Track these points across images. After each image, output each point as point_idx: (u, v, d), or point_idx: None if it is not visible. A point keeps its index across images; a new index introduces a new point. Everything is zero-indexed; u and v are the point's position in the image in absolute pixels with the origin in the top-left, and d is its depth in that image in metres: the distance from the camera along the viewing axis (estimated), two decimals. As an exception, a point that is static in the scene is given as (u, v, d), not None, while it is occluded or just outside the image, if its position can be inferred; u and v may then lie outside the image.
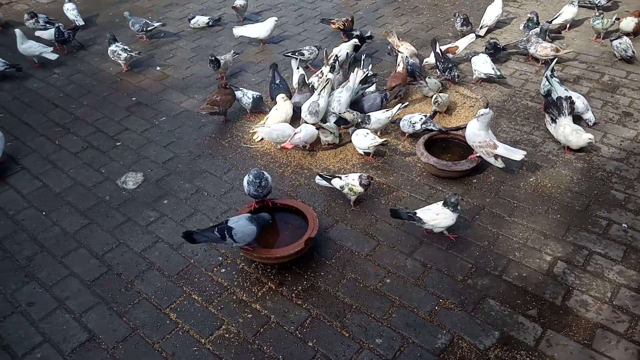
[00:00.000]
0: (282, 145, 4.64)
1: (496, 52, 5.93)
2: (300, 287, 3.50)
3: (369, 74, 5.22)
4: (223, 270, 3.66)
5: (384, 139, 4.49)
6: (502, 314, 3.27)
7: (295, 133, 4.55)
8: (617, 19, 6.35)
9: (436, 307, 3.33)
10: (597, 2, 6.95)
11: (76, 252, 3.86)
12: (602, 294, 3.35)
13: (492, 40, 5.97)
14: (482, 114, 4.09)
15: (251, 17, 7.47)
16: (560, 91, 4.91)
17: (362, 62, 5.50)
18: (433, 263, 3.63)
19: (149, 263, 3.75)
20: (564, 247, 3.70)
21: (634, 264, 3.54)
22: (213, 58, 5.75)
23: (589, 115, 4.85)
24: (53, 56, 6.20)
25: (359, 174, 3.99)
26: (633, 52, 5.74)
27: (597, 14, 6.23)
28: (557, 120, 4.56)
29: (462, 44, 6.01)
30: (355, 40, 5.96)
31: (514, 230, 3.85)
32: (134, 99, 5.73)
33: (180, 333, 3.26)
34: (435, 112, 4.95)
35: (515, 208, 4.05)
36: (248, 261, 3.69)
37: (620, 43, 5.75)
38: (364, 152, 4.62)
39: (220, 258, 3.74)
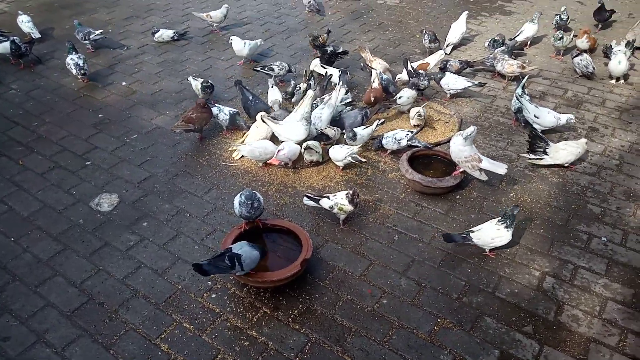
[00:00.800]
0: (268, 161, 4.58)
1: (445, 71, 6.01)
2: (296, 311, 3.41)
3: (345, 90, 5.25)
4: (214, 295, 3.51)
5: (359, 152, 4.53)
6: (500, 332, 3.30)
7: (279, 150, 4.48)
8: (575, 35, 6.65)
9: (435, 327, 3.32)
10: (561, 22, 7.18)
11: (52, 281, 3.61)
12: (591, 308, 3.45)
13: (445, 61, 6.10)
14: (470, 133, 4.15)
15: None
16: (530, 109, 5.07)
17: (339, 78, 5.49)
18: (427, 281, 3.63)
19: (133, 290, 3.55)
20: (550, 262, 3.79)
21: (617, 277, 3.67)
22: (209, 84, 5.54)
23: (565, 118, 5.03)
24: None
25: (345, 192, 3.95)
26: (593, 68, 6.03)
27: (557, 34, 6.50)
28: (547, 151, 4.65)
29: (432, 60, 6.12)
30: (337, 72, 5.78)
31: (501, 247, 3.91)
32: (100, 115, 5.48)
33: (174, 365, 3.09)
34: (421, 128, 4.96)
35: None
36: (239, 285, 3.56)
37: (581, 60, 6.02)
38: (342, 165, 4.60)
39: (210, 283, 3.60)
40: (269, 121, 4.69)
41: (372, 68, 5.82)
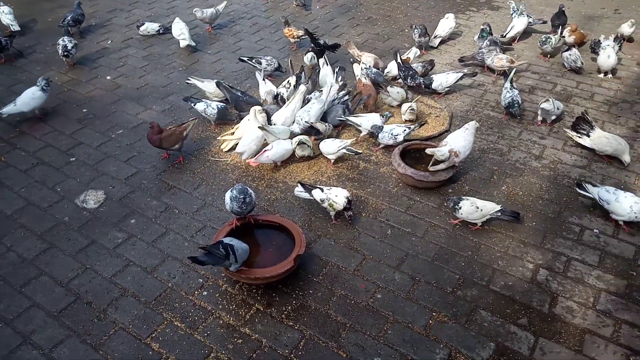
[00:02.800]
0: (248, 160, 4.47)
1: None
2: (289, 307, 3.35)
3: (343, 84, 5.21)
4: (205, 293, 3.44)
5: (353, 142, 4.47)
6: (495, 325, 3.28)
7: (265, 150, 4.38)
8: (563, 36, 6.59)
9: (430, 321, 3.29)
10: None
11: (37, 281, 3.51)
12: (585, 300, 3.45)
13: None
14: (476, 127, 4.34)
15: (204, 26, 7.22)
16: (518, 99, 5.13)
17: (335, 73, 5.42)
18: (421, 275, 3.60)
19: (122, 289, 3.47)
20: (543, 254, 3.79)
21: (610, 268, 3.67)
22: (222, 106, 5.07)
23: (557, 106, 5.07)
24: None
25: (346, 195, 3.87)
26: (582, 63, 6.04)
27: (543, 38, 6.44)
28: (590, 134, 4.72)
29: (411, 55, 6.08)
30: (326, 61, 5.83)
31: (494, 239, 3.90)
32: (84, 110, 5.35)
33: (165, 364, 3.02)
34: (420, 124, 4.88)
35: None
36: (231, 282, 3.50)
37: (570, 54, 6.04)
38: (333, 159, 4.55)
39: (201, 280, 3.53)
40: (261, 119, 4.58)
41: (363, 62, 5.78)
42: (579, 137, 4.80)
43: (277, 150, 4.40)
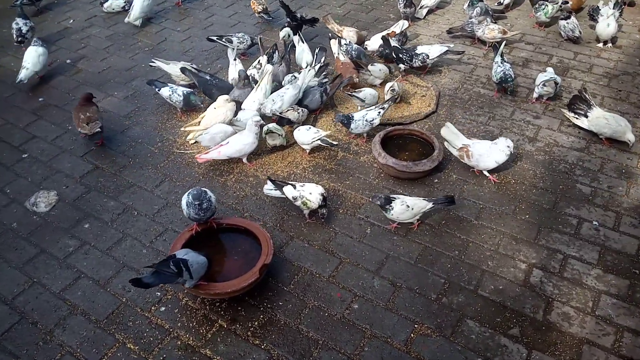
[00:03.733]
0: (196, 157, 3.99)
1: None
2: (256, 323, 3.02)
3: (322, 66, 4.77)
4: (163, 308, 3.10)
5: (328, 134, 4.08)
6: (483, 337, 2.96)
7: (220, 145, 3.93)
8: (565, 1, 6.07)
9: (412, 335, 2.96)
10: None
11: (-23, 299, 3.17)
12: (584, 304, 3.12)
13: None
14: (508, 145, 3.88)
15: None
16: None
17: (314, 55, 4.97)
18: (403, 281, 3.26)
19: (71, 306, 3.13)
20: (537, 252, 3.45)
21: (610, 266, 3.34)
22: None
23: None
24: None
25: (321, 192, 3.50)
26: (580, 32, 5.60)
27: (537, 5, 5.96)
28: (588, 114, 4.35)
29: (397, 29, 5.60)
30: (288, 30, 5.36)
31: (484, 236, 3.55)
32: (41, 99, 4.93)
33: (115, 395, 2.71)
34: (396, 98, 4.46)
35: (481, 210, 3.75)
36: (192, 295, 3.15)
37: (567, 23, 5.58)
38: (309, 149, 4.15)
39: (159, 293, 3.18)
40: (230, 113, 4.17)
41: (342, 38, 5.33)
42: (577, 117, 4.40)
43: (234, 146, 3.93)
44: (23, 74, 4.94)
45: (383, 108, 4.22)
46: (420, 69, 5.16)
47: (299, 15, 5.62)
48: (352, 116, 4.18)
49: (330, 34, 5.52)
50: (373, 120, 4.17)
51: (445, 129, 4.05)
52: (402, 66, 5.04)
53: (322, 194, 3.50)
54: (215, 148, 3.91)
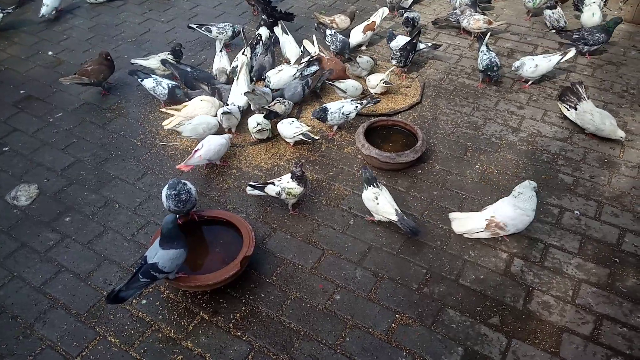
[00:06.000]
0: (178, 167, 3.84)
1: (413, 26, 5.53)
2: (238, 315, 3.02)
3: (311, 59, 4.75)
4: (144, 301, 3.09)
5: (309, 130, 4.02)
6: (464, 326, 2.98)
7: (196, 150, 3.82)
8: None
9: (393, 325, 2.97)
10: None
11: (-44, 294, 3.14)
12: (564, 293, 3.15)
13: (408, 15, 5.55)
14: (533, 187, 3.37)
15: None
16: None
17: (302, 54, 4.94)
18: (385, 271, 3.27)
19: (52, 300, 3.11)
20: (518, 241, 3.46)
21: (591, 255, 3.37)
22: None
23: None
24: None
25: (289, 173, 3.50)
26: (565, 22, 5.60)
27: None
28: (577, 106, 4.32)
29: (377, 18, 5.55)
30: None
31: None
32: (22, 92, 4.87)
33: (95, 389, 2.70)
34: (377, 100, 4.39)
35: (464, 200, 3.76)
36: (173, 288, 3.14)
37: (553, 13, 5.58)
38: (293, 142, 4.14)
39: (140, 286, 3.17)
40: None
41: (334, 28, 5.30)
42: (567, 109, 4.41)
43: (210, 147, 3.81)
44: (44, 10, 5.84)
45: (361, 104, 4.21)
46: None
47: (278, 10, 5.45)
48: (327, 108, 4.16)
49: (316, 24, 5.45)
50: (349, 114, 4.16)
51: (454, 221, 3.53)
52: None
53: (291, 172, 3.48)
54: (193, 154, 3.79)
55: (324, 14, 5.80)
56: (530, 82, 4.82)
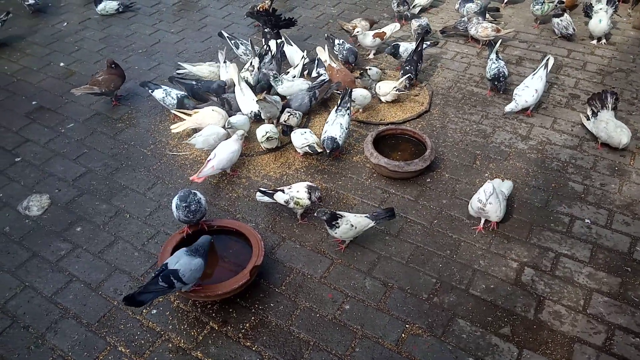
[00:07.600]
0: (191, 178, 3.84)
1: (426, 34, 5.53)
2: (247, 325, 3.02)
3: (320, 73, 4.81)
4: (154, 311, 3.11)
5: (316, 142, 4.03)
6: (474, 336, 2.96)
7: (208, 160, 3.84)
8: (561, 2, 6.05)
9: (403, 335, 2.96)
10: None
11: (-31, 304, 3.17)
12: (575, 303, 3.12)
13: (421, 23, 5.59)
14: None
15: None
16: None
17: (316, 63, 4.95)
18: (394, 281, 3.26)
19: (63, 310, 3.13)
20: (529, 250, 3.44)
21: (602, 264, 3.34)
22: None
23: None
24: None
25: (306, 184, 3.52)
26: (574, 29, 5.59)
27: (536, 1, 5.94)
28: (598, 114, 4.28)
29: (388, 30, 5.55)
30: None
31: (476, 235, 3.55)
32: (34, 102, 4.93)
33: (106, 399, 2.71)
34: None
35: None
36: (183, 298, 3.16)
37: (561, 20, 5.58)
38: (302, 152, 4.15)
39: (150, 296, 3.18)
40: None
41: (357, 33, 5.32)
42: (587, 118, 4.37)
43: (222, 156, 3.83)
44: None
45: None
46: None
47: (282, 18, 5.43)
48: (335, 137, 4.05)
49: (326, 34, 5.47)
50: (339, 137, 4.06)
51: None
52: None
53: (307, 186, 3.50)
54: (205, 165, 3.82)
55: (344, 21, 5.83)
56: (531, 108, 4.68)
